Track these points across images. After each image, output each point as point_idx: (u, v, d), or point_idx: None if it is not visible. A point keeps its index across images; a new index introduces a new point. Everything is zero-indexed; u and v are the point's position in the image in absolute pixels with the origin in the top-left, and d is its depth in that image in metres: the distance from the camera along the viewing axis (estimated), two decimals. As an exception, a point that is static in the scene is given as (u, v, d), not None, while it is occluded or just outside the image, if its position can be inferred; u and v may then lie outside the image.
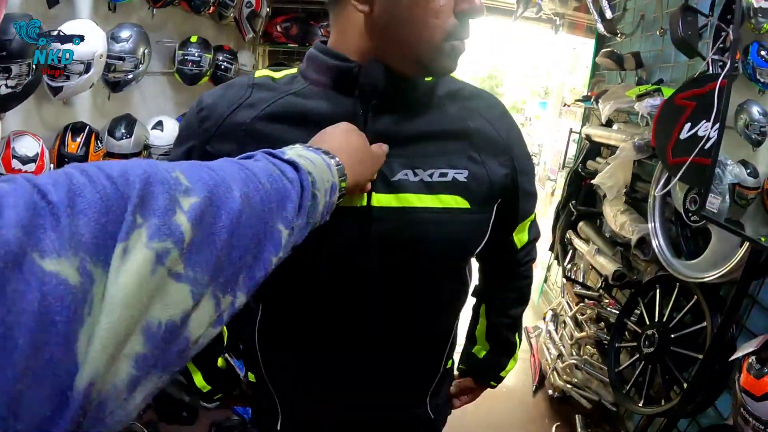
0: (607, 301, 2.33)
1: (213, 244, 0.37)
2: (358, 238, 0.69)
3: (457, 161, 0.70)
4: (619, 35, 2.53)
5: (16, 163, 1.36)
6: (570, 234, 2.78)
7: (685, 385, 1.53)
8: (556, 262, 3.05)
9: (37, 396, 0.25)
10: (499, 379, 1.05)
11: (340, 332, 0.75)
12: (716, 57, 1.53)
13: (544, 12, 2.85)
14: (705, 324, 1.54)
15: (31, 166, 1.39)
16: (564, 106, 3.64)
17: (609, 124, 2.49)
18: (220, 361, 0.92)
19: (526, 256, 0.95)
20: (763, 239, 1.21)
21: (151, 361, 0.32)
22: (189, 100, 2.47)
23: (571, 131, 3.37)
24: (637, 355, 1.81)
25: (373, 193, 0.67)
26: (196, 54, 2.23)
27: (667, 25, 1.83)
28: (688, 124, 1.47)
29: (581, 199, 2.74)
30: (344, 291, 0.73)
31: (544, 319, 2.94)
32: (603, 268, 2.24)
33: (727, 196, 1.24)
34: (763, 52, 1.19)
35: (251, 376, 0.92)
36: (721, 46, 1.52)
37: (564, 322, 2.60)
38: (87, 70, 1.50)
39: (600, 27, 2.54)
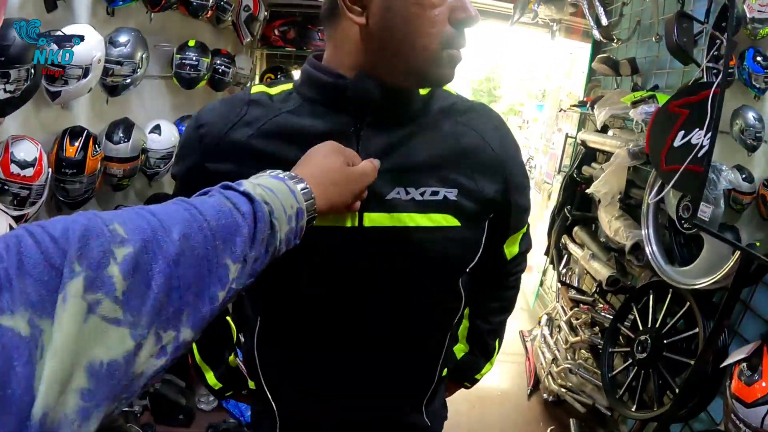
0: (601, 306, 2.35)
1: (150, 289, 0.40)
2: (352, 257, 0.69)
3: (448, 179, 0.70)
4: (615, 41, 2.54)
5: (14, 168, 1.36)
6: (565, 239, 2.80)
7: (677, 391, 1.55)
8: (551, 266, 3.07)
9: (4, 423, 0.31)
10: (474, 381, 1.06)
11: (340, 333, 0.76)
12: (711, 65, 1.54)
13: (541, 18, 2.87)
14: (697, 330, 1.56)
15: (29, 171, 1.39)
16: (560, 111, 3.65)
17: (605, 129, 2.50)
18: (231, 360, 0.94)
19: (515, 267, 0.96)
20: (758, 243, 1.21)
21: (98, 394, 0.36)
22: (186, 104, 2.47)
23: (567, 136, 3.39)
24: (631, 360, 1.82)
25: (366, 213, 0.68)
26: (194, 58, 2.23)
27: (663, 32, 1.84)
28: (682, 132, 1.48)
29: (576, 204, 2.76)
30: (344, 298, 0.73)
31: (539, 323, 2.96)
32: (597, 273, 2.25)
33: (722, 202, 1.24)
34: (759, 58, 1.19)
35: (251, 384, 0.92)
36: (715, 53, 1.52)
37: (559, 326, 2.62)
38: (85, 74, 1.50)
39: (596, 33, 2.55)
